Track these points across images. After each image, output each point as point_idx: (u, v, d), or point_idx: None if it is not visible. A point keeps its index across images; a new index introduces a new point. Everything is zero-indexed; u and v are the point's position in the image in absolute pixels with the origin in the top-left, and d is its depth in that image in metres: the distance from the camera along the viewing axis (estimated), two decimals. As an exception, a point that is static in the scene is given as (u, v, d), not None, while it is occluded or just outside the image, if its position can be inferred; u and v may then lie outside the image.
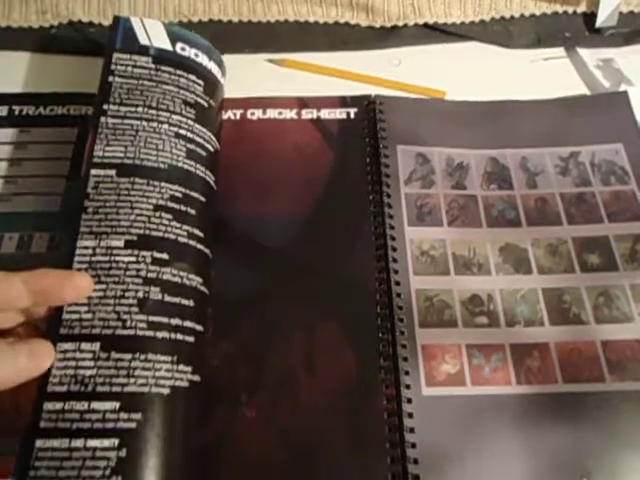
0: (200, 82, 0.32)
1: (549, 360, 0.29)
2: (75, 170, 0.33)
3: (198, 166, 0.30)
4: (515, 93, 0.38)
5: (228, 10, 0.41)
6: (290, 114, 0.36)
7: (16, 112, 0.35)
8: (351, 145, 0.35)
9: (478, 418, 0.28)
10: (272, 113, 0.36)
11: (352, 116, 0.36)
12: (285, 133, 0.36)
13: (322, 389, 0.28)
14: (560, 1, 0.41)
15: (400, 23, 0.40)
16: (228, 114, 0.36)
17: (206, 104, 0.32)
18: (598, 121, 0.36)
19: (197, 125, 0.31)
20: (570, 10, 0.41)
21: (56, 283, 0.23)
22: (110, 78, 0.30)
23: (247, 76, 0.37)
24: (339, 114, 0.36)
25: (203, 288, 0.27)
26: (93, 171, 0.27)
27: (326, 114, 0.36)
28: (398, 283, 0.30)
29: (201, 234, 0.28)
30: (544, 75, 0.40)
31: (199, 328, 0.26)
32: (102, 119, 0.29)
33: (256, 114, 0.36)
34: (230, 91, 0.36)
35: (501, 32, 0.41)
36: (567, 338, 0.30)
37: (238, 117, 0.36)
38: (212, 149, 0.32)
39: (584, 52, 0.40)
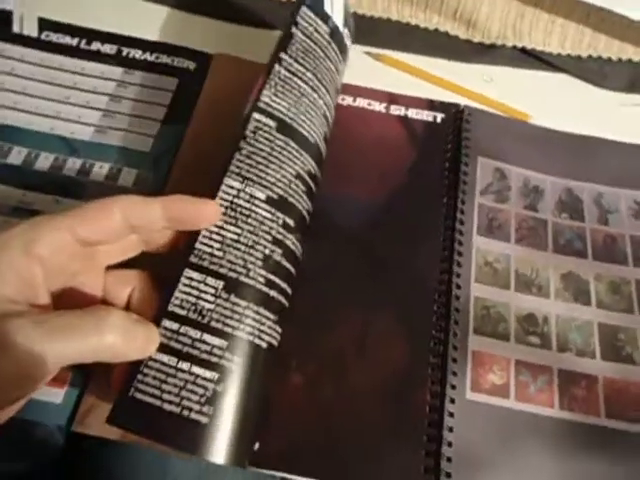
0: (343, 75, 0.33)
1: (595, 392, 0.29)
2: (170, 116, 0.34)
3: (325, 150, 0.31)
4: (598, 131, 0.38)
5: (335, -2, 0.42)
6: (379, 107, 0.37)
7: (124, 53, 0.37)
8: (433, 148, 0.36)
9: (516, 433, 0.28)
10: (362, 102, 0.37)
11: (438, 120, 0.37)
12: (371, 124, 0.36)
13: (370, 373, 0.28)
14: (660, 52, 0.41)
15: (499, 42, 0.41)
16: (320, 95, 0.37)
17: (339, 97, 0.33)
18: (679, 174, 0.36)
19: (333, 112, 0.32)
20: (667, 62, 0.41)
21: (192, 210, 0.24)
22: (294, 29, 0.30)
23: (344, 63, 0.38)
24: (426, 116, 0.37)
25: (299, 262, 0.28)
26: (256, 115, 0.27)
27: (413, 114, 0.37)
28: (459, 286, 0.31)
29: (311, 213, 0.29)
30: (631, 120, 0.40)
31: (291, 296, 0.27)
32: (276, 66, 0.28)
33: (347, 100, 0.37)
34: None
35: (595, 70, 0.41)
36: (617, 375, 0.30)
37: (329, 99, 0.37)
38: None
39: (674, 105, 0.41)
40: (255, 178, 0.26)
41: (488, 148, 0.36)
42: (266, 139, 0.27)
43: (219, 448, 0.22)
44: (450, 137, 0.36)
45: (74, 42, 0.37)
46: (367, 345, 0.29)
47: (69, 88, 0.35)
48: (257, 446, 0.26)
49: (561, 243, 0.34)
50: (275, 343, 0.25)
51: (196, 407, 0.22)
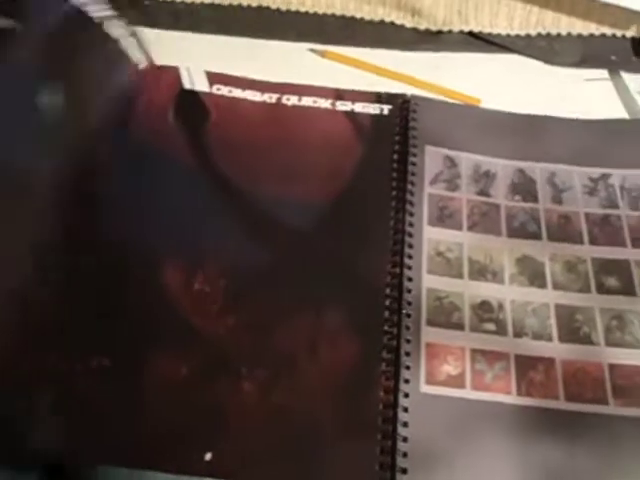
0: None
1: (553, 375, 0.29)
2: None
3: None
4: (552, 110, 0.38)
5: (277, -2, 0.42)
6: (325, 104, 0.37)
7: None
8: (381, 141, 0.36)
9: (473, 422, 0.27)
10: (307, 101, 0.37)
11: (385, 112, 0.37)
12: (318, 122, 0.36)
13: (322, 374, 0.28)
14: (609, 23, 0.40)
15: (445, 28, 0.41)
16: (264, 97, 0.37)
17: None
18: (633, 146, 0.36)
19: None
20: (619, 33, 0.41)
21: None
22: None
23: (287, 63, 0.38)
24: (373, 110, 0.37)
25: None
26: None
27: (360, 108, 0.37)
28: (410, 279, 0.31)
29: None
30: (584, 95, 0.40)
31: None
32: None
33: (292, 100, 0.37)
34: (268, 75, 0.37)
35: (545, 48, 0.41)
36: (574, 356, 0.29)
37: (274, 101, 0.37)
38: None
39: (628, 77, 0.40)
40: None
41: (436, 136, 0.36)
42: None
43: None
44: (397, 129, 0.36)
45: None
46: (318, 346, 0.29)
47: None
48: (209, 456, 0.26)
49: (515, 226, 0.33)
50: None
51: None
